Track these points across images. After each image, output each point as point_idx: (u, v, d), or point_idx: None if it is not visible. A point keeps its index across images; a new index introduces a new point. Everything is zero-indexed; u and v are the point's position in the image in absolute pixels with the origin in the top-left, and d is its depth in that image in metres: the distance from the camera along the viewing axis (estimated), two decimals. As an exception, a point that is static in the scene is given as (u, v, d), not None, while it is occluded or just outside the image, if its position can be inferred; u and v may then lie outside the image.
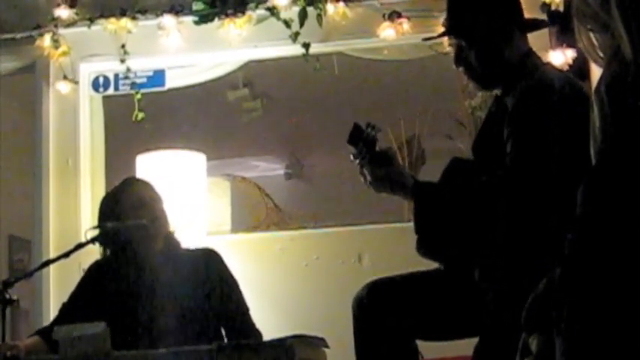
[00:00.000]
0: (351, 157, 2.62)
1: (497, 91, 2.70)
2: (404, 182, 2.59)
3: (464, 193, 2.51)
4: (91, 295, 3.39)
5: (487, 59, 2.62)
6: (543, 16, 4.02)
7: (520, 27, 2.66)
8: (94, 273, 3.45)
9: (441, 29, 4.43)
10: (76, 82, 4.78)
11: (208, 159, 4.73)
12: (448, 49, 4.49)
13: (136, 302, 3.34)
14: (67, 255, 3.34)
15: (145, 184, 3.51)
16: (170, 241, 3.43)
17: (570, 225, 1.66)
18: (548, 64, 3.06)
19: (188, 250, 3.48)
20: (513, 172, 2.43)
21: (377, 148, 2.62)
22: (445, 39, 3.17)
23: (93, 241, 3.33)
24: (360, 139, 2.60)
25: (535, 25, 2.84)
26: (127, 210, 3.37)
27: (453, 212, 2.50)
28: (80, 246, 3.32)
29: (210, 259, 3.41)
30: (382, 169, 2.58)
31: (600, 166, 1.68)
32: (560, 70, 2.89)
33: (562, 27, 4.21)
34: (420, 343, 2.67)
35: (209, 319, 3.28)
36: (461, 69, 2.68)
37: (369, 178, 2.60)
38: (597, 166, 1.69)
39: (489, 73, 2.64)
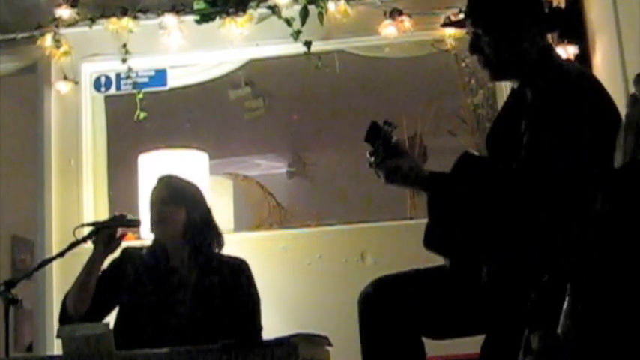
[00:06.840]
0: (368, 155, 2.63)
1: (514, 84, 2.70)
2: (420, 173, 2.60)
3: (478, 186, 2.51)
4: (113, 279, 3.41)
5: (501, 49, 2.62)
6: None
7: (539, 22, 2.66)
8: (125, 258, 3.47)
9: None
10: (78, 82, 4.78)
11: (210, 158, 4.72)
12: (449, 46, 4.55)
13: (150, 295, 3.36)
14: (61, 254, 3.35)
15: (164, 185, 3.49)
16: (200, 243, 3.41)
17: (588, 222, 1.64)
18: (568, 59, 3.04)
19: (221, 255, 3.47)
20: (528, 166, 2.43)
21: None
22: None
23: (85, 239, 3.33)
24: (378, 136, 2.61)
25: (554, 22, 2.82)
26: (150, 206, 3.45)
27: (467, 204, 2.50)
28: (73, 245, 3.33)
29: (240, 271, 3.42)
30: (400, 160, 2.59)
31: (633, 165, 1.65)
32: (579, 66, 2.89)
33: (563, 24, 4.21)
34: (425, 341, 2.66)
35: (223, 327, 3.25)
36: (475, 57, 2.68)
37: (384, 171, 2.60)
38: (629, 166, 1.66)
39: (502, 63, 2.64)
